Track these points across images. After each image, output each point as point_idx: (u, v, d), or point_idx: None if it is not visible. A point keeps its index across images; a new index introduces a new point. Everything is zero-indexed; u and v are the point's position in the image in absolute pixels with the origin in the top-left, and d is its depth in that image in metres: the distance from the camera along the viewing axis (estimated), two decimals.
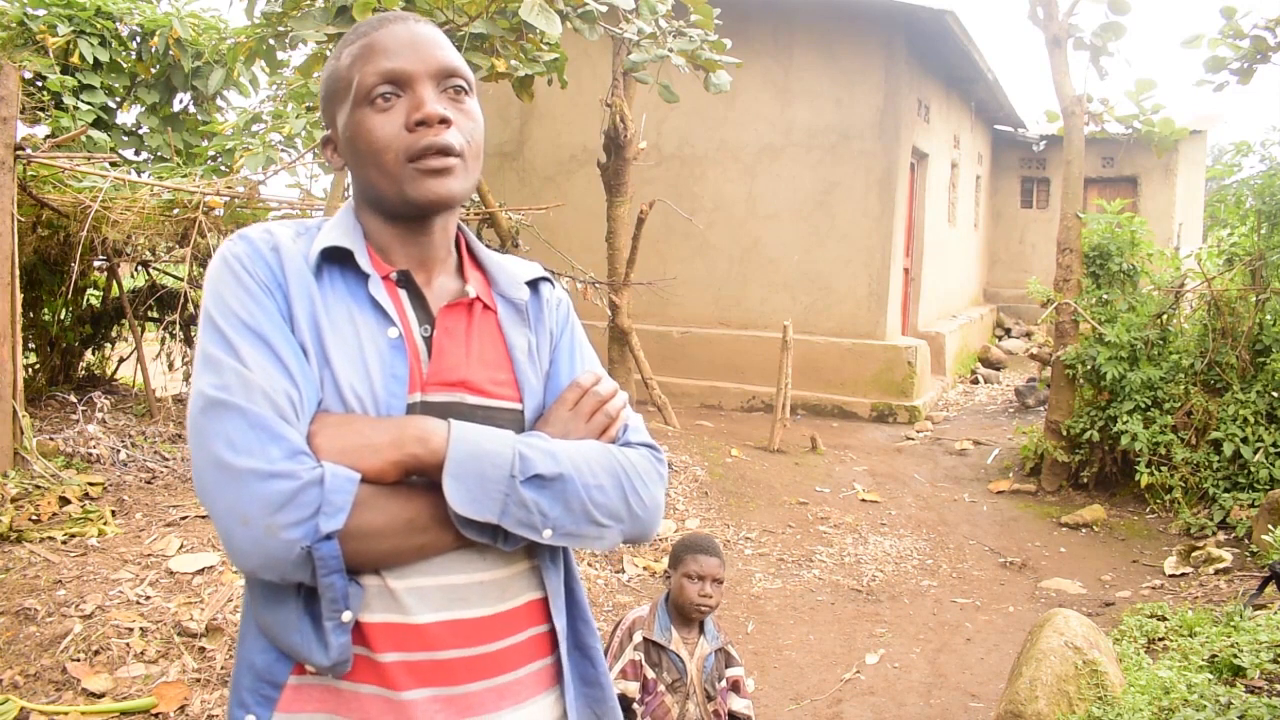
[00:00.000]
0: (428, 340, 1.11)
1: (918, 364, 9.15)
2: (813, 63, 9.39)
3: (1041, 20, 7.18)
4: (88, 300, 6.52)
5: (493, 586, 1.10)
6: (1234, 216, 6.90)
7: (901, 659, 4.16)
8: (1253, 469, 5.93)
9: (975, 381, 11.52)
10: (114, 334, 6.74)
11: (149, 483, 4.47)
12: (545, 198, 9.68)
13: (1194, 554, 5.30)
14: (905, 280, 10.27)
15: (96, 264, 6.10)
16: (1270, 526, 4.69)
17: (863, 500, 6.52)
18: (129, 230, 4.95)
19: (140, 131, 7.58)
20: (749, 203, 9.69)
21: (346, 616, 1.00)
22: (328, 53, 4.65)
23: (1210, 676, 3.10)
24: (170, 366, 6.33)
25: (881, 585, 5.07)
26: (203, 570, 3.47)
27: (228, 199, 5.21)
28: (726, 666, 2.39)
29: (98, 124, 6.93)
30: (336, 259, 1.10)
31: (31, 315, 5.91)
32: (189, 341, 6.32)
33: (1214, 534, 5.73)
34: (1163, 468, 6.33)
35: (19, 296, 4.34)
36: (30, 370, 6.06)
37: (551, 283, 1.29)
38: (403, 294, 1.13)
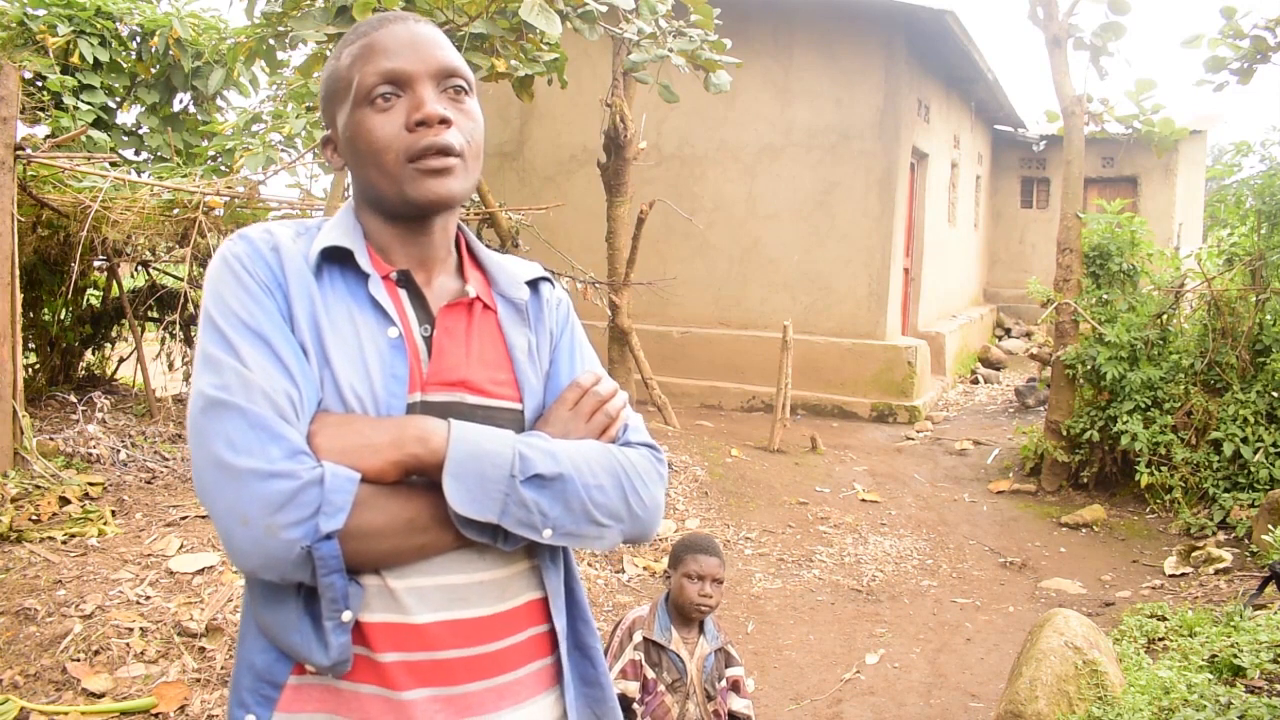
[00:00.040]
0: (428, 340, 1.11)
1: (918, 364, 9.15)
2: (813, 63, 9.39)
3: (1041, 20, 7.18)
4: (88, 300, 6.52)
5: (492, 586, 1.10)
6: (1234, 216, 6.90)
7: (901, 659, 4.16)
8: (1253, 469, 5.93)
9: (975, 381, 11.52)
10: (114, 334, 6.75)
11: (149, 483, 4.47)
12: (545, 198, 9.68)
13: (1194, 554, 5.30)
14: (905, 280, 10.27)
15: (96, 264, 6.10)
16: (1270, 526, 4.69)
17: (863, 500, 6.52)
18: (129, 230, 4.95)
19: (140, 131, 7.58)
20: (749, 203, 9.69)
21: (346, 616, 0.99)
22: (328, 53, 4.65)
23: (1210, 676, 3.10)
24: (170, 366, 6.33)
25: (881, 585, 5.07)
26: (203, 570, 3.47)
27: (228, 199, 5.21)
28: (726, 666, 2.39)
29: (98, 124, 6.93)
30: (336, 259, 1.10)
31: (31, 315, 5.91)
32: (189, 341, 6.33)
33: (1214, 534, 5.73)
34: (1163, 468, 6.33)
35: (19, 296, 4.34)
36: (30, 370, 6.06)
37: (551, 282, 1.29)
38: (403, 294, 1.13)
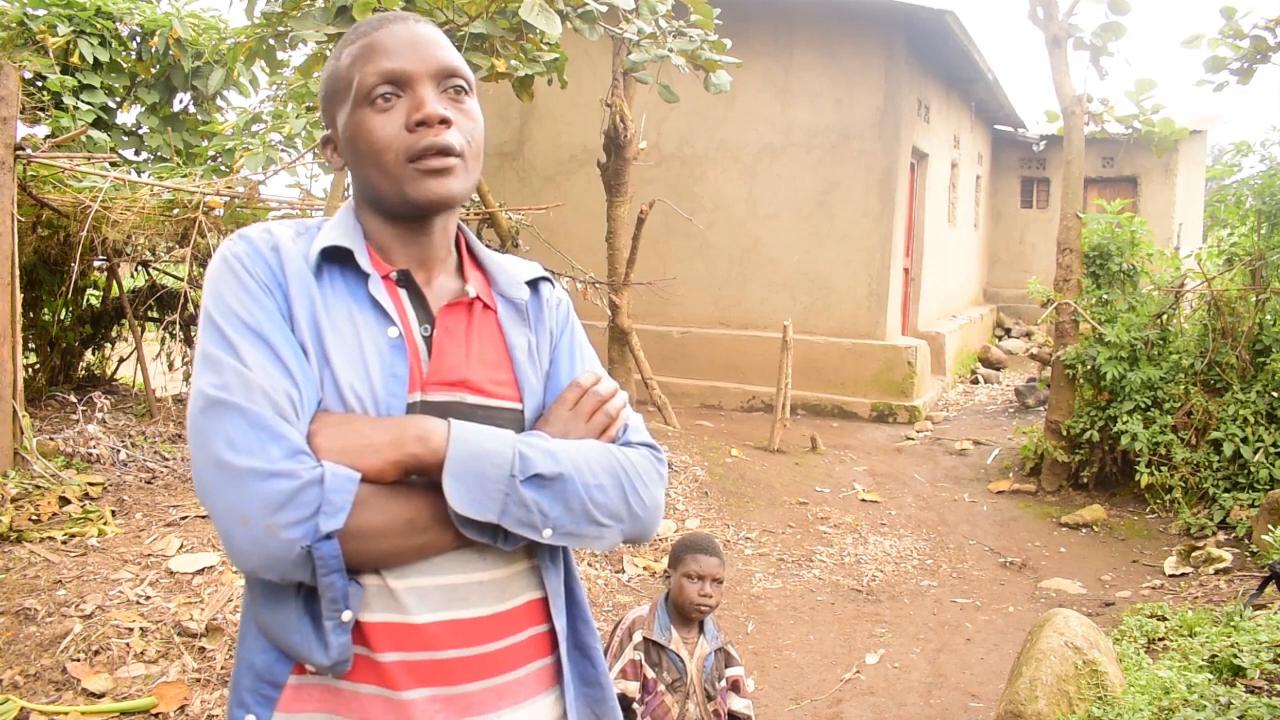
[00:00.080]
0: (428, 340, 1.11)
1: (918, 364, 9.15)
2: (813, 63, 9.40)
3: (1041, 20, 7.19)
4: (88, 300, 6.52)
5: (492, 586, 1.10)
6: (1234, 216, 6.90)
7: (901, 659, 4.16)
8: (1253, 469, 5.93)
9: (975, 381, 11.52)
10: (114, 334, 6.75)
11: (149, 483, 4.47)
12: (545, 198, 9.68)
13: (1194, 554, 5.30)
14: (905, 280, 10.27)
15: (96, 264, 6.10)
16: (1270, 526, 4.69)
17: (863, 500, 6.52)
18: (129, 230, 4.95)
19: (140, 131, 7.58)
20: (749, 203, 9.69)
21: (346, 616, 0.99)
22: (328, 53, 4.65)
23: (1210, 676, 3.10)
24: (170, 366, 6.33)
25: (881, 585, 5.07)
26: (203, 570, 3.47)
27: (228, 199, 5.21)
28: (726, 666, 2.39)
29: (98, 124, 6.93)
30: (336, 258, 1.10)
31: (31, 315, 5.91)
32: (189, 341, 6.33)
33: (1214, 534, 5.73)
34: (1163, 468, 6.33)
35: (19, 296, 4.34)
36: (30, 370, 6.06)
37: (551, 282, 1.29)
38: (403, 293, 1.13)
